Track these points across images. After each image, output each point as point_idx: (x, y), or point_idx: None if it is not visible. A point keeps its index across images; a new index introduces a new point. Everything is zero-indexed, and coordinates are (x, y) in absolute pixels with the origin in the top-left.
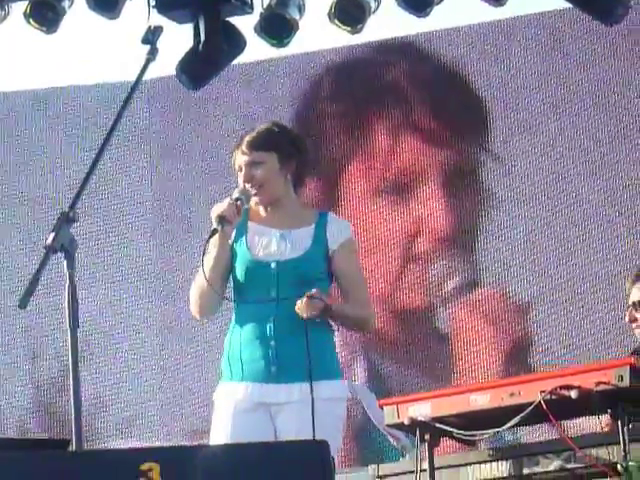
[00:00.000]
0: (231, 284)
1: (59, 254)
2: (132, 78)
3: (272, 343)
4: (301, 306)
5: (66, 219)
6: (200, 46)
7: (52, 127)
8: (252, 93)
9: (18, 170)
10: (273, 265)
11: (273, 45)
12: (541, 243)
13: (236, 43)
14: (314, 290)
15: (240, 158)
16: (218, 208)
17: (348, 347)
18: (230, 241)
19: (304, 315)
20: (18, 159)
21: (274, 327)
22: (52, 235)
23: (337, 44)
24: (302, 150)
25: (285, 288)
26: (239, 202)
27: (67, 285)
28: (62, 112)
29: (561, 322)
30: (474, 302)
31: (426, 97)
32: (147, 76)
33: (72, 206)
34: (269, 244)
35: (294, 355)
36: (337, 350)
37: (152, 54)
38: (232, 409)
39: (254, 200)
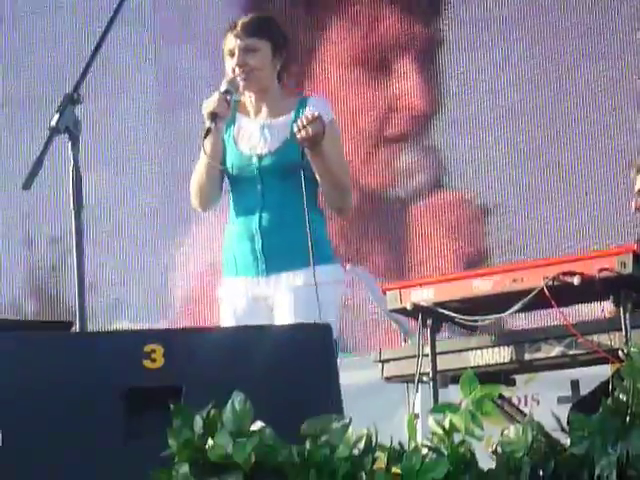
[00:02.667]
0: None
1: (63, 135)
2: None
3: (257, 237)
4: (301, 124)
5: (70, 100)
6: None
7: (55, 7)
8: None
9: (24, 47)
10: (254, 159)
11: None
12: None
13: None
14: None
15: (233, 42)
16: (209, 104)
17: None
18: (221, 135)
19: (305, 133)
20: (24, 36)
21: (259, 221)
22: (56, 116)
23: None
24: (289, 47)
25: (269, 180)
26: (228, 95)
27: (71, 167)
28: None
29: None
30: (435, 206)
31: None
32: None
33: (76, 87)
34: (251, 137)
35: (281, 246)
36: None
37: None
38: (232, 304)
39: (241, 86)
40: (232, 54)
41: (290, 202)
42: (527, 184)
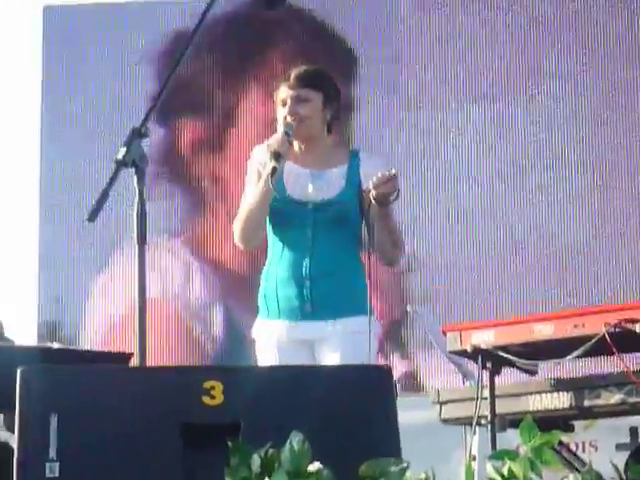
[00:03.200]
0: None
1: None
2: None
3: (307, 283)
4: (378, 182)
5: (138, 134)
6: None
7: (123, 43)
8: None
9: (92, 82)
10: (310, 206)
11: None
12: None
13: None
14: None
15: (285, 92)
16: (273, 144)
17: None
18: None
19: (380, 190)
20: (88, 76)
21: (310, 266)
22: (123, 149)
23: None
24: (340, 99)
25: (321, 228)
26: (288, 136)
27: (136, 200)
28: (133, 28)
29: None
30: None
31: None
32: None
33: (144, 121)
34: (304, 184)
35: (328, 294)
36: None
37: None
38: (275, 344)
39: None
40: (284, 103)
41: (339, 250)
42: None
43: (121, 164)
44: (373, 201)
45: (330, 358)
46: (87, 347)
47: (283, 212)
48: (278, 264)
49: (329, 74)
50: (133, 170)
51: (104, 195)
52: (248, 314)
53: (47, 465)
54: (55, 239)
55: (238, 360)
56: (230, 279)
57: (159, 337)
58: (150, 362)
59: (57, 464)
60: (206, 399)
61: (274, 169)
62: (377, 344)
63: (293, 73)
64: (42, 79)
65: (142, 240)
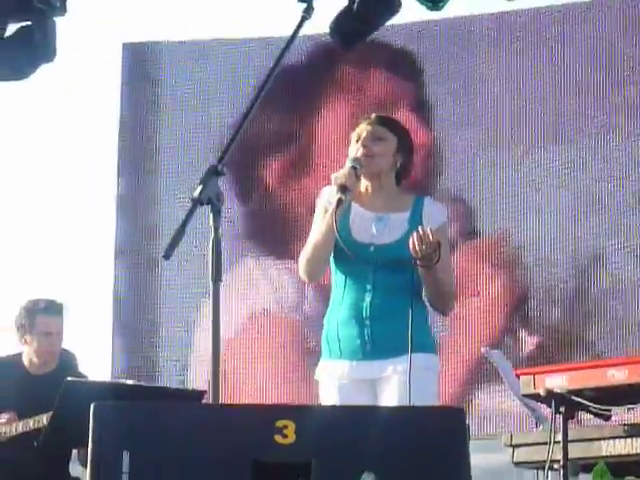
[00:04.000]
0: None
1: (205, 206)
2: (284, 34)
3: (367, 322)
4: (420, 240)
5: (214, 172)
6: (355, 5)
7: (202, 81)
8: None
9: (167, 124)
10: (372, 248)
11: (428, 8)
12: None
13: (390, 4)
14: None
15: (363, 128)
16: (340, 177)
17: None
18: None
19: (427, 249)
20: (165, 112)
21: (370, 307)
22: (199, 187)
23: None
24: (413, 151)
25: (381, 271)
26: (356, 170)
27: (212, 238)
28: (211, 66)
29: None
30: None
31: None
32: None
33: (221, 159)
34: (369, 227)
35: (388, 333)
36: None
37: (308, 12)
38: (337, 383)
39: (363, 168)
40: (359, 138)
41: (399, 292)
42: None
43: (197, 202)
44: (417, 263)
45: (391, 397)
46: (162, 384)
47: (346, 254)
48: (340, 306)
49: (406, 127)
50: (209, 208)
51: (180, 232)
52: None
53: None
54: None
55: None
56: None
57: (275, 347)
58: (266, 374)
59: None
60: (278, 438)
61: (339, 200)
62: (436, 382)
63: (375, 114)
64: (120, 116)
65: (217, 278)
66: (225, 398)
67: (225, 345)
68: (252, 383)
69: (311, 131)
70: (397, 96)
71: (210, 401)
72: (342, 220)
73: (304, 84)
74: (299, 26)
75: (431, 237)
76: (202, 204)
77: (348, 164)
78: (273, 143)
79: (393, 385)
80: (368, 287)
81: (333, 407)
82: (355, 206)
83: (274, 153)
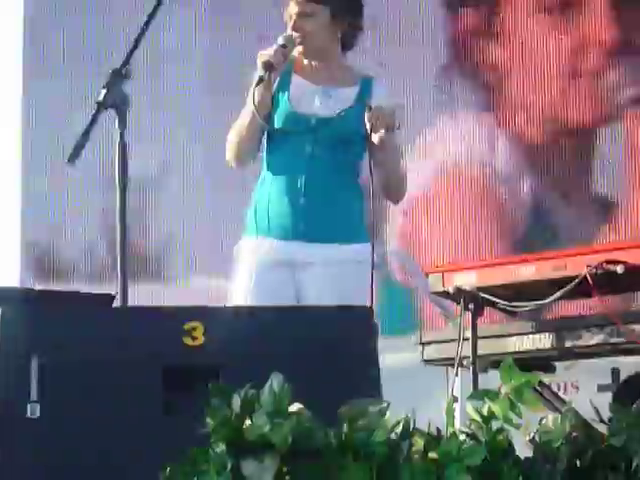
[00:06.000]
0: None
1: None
2: None
3: (302, 200)
4: (376, 113)
5: (119, 75)
6: None
7: None
8: None
9: (68, 21)
10: (313, 121)
11: None
12: None
13: None
14: (375, 105)
15: (292, 7)
16: (265, 54)
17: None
18: (273, 89)
19: (380, 123)
20: (68, 20)
21: (305, 183)
22: (103, 92)
23: None
24: (356, 11)
25: (321, 145)
26: (285, 48)
27: (118, 142)
28: None
29: None
30: None
31: None
32: None
33: (125, 62)
34: (311, 99)
35: (324, 213)
36: None
37: None
38: (254, 265)
39: (297, 50)
40: (291, 18)
41: (338, 171)
42: None
43: (101, 106)
44: (371, 127)
45: (314, 287)
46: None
47: (284, 126)
48: (273, 180)
49: None
50: (114, 112)
51: (84, 137)
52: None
53: (28, 406)
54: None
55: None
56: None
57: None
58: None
59: (38, 405)
60: (187, 340)
61: (260, 79)
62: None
63: None
64: (24, 14)
65: (124, 183)
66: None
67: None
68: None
69: None
70: None
71: (120, 304)
72: (280, 92)
73: None
74: None
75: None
76: (106, 108)
77: (278, 42)
78: None
79: (317, 275)
80: (305, 162)
81: (242, 308)
82: (297, 78)
83: None
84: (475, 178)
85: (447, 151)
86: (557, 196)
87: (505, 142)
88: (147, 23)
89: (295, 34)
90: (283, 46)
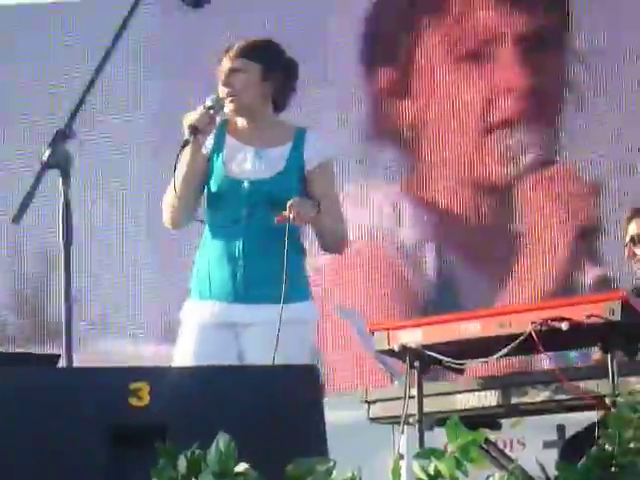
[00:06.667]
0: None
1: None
2: None
3: (240, 263)
4: (295, 209)
5: (63, 136)
6: None
7: (52, 40)
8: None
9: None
10: (246, 184)
11: None
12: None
13: None
14: (294, 199)
15: (224, 64)
16: (190, 117)
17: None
18: (206, 152)
19: (302, 214)
20: (15, 71)
21: (243, 247)
22: (47, 151)
23: None
24: (289, 71)
25: (256, 208)
26: (212, 111)
27: (62, 202)
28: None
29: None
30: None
31: None
32: None
33: (69, 123)
34: (243, 162)
35: (262, 275)
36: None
37: None
38: (197, 328)
39: (227, 108)
40: (222, 74)
41: (275, 233)
42: None
43: (45, 166)
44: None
45: (257, 347)
46: (13, 349)
47: (219, 190)
48: (212, 245)
49: (275, 46)
50: (58, 172)
51: (29, 196)
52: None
53: None
54: None
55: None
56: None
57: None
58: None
59: None
60: (133, 400)
61: (185, 142)
62: (313, 331)
63: (235, 45)
64: None
65: (68, 242)
66: None
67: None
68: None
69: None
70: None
71: (65, 364)
72: (215, 155)
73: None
74: None
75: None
76: (51, 167)
77: (205, 104)
78: None
79: (259, 336)
80: (242, 225)
81: (187, 368)
82: (230, 140)
83: None
84: (381, 247)
85: (356, 217)
86: (459, 260)
87: (412, 210)
88: (92, 81)
89: (225, 89)
90: (210, 108)
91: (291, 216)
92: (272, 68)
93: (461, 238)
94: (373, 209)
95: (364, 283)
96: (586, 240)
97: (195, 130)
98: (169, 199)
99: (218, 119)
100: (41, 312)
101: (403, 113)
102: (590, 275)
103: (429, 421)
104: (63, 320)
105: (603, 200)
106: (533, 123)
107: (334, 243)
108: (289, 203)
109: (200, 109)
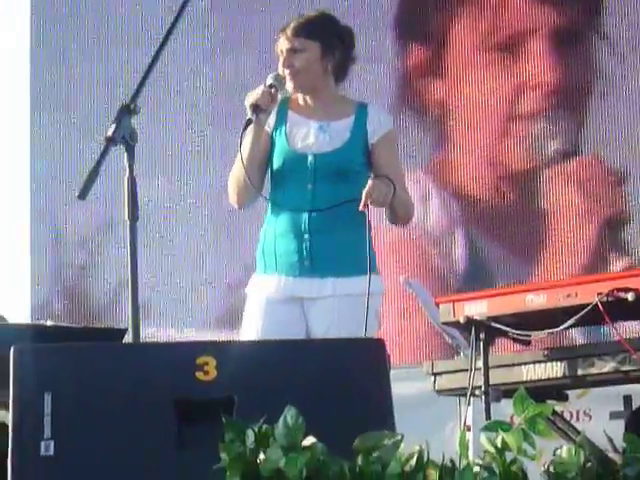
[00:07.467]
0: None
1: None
2: None
3: (306, 236)
4: (373, 197)
5: (127, 111)
6: None
7: (111, 20)
8: None
9: (77, 56)
10: (310, 157)
11: None
12: None
13: None
14: (372, 181)
15: (283, 43)
16: (252, 96)
17: (447, 218)
18: (269, 129)
19: (380, 200)
20: (78, 45)
21: (309, 220)
22: (113, 126)
23: None
24: (347, 43)
25: (322, 181)
26: (273, 89)
27: (127, 177)
28: (121, 3)
29: None
30: (572, 170)
31: None
32: None
33: (133, 98)
34: (307, 135)
35: (328, 249)
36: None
37: None
38: (264, 302)
39: (288, 86)
40: (282, 53)
41: (340, 206)
42: None
43: (111, 141)
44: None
45: (323, 321)
46: (81, 324)
47: (283, 165)
48: (277, 219)
49: (331, 20)
50: (123, 147)
51: (94, 172)
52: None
53: (42, 444)
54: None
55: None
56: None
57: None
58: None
59: (52, 442)
60: (199, 375)
61: (248, 121)
62: (380, 303)
63: (291, 22)
64: (31, 52)
65: (134, 217)
66: None
67: None
68: None
69: None
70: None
71: (131, 340)
72: (278, 130)
73: None
74: None
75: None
76: (116, 143)
77: (266, 82)
78: None
79: (326, 309)
80: (307, 199)
81: (254, 342)
82: (292, 115)
83: None
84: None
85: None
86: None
87: (438, 197)
88: (156, 55)
89: (286, 70)
90: (270, 86)
91: (369, 202)
92: (331, 43)
93: (487, 223)
94: None
95: (395, 270)
96: (612, 230)
97: (257, 109)
98: (235, 178)
99: (279, 96)
100: (85, 298)
101: (432, 93)
102: (617, 265)
103: (495, 393)
104: (130, 293)
105: (629, 189)
106: (560, 113)
107: (405, 215)
108: (366, 189)
109: (261, 88)
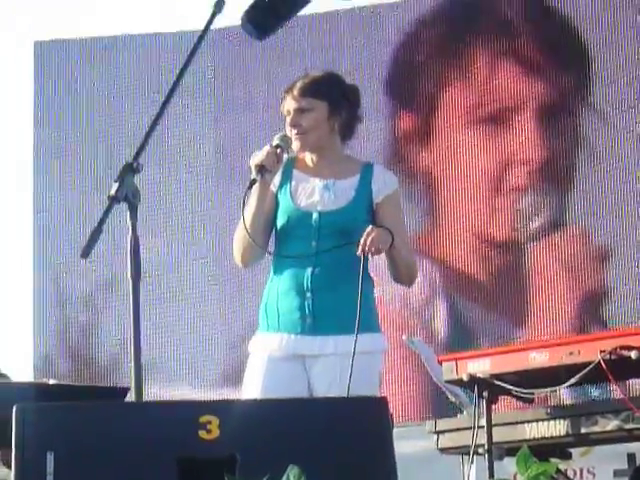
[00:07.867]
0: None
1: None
2: (195, 28)
3: (308, 294)
4: (371, 238)
5: (130, 169)
6: None
7: (114, 77)
8: (317, 43)
9: (79, 120)
10: (315, 215)
11: None
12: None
13: None
14: (371, 227)
15: (289, 103)
16: (257, 157)
17: (428, 286)
18: (274, 189)
19: (373, 249)
20: (78, 109)
21: (312, 278)
22: (115, 185)
23: None
24: (353, 102)
25: (325, 239)
26: (279, 149)
27: (130, 236)
28: (123, 62)
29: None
30: (555, 244)
31: (530, 29)
32: (212, 26)
33: (136, 157)
34: (312, 193)
35: (331, 307)
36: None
37: (218, 6)
38: (266, 360)
39: (295, 145)
40: (289, 114)
41: (344, 264)
42: None
43: (114, 200)
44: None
45: (325, 379)
46: (84, 382)
47: (288, 223)
48: (280, 277)
49: (337, 79)
50: (126, 205)
51: (97, 230)
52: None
53: None
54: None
55: None
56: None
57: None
58: None
59: None
60: (202, 433)
61: (253, 181)
62: (381, 362)
63: (297, 82)
64: (34, 113)
65: (137, 276)
66: None
67: None
68: None
69: None
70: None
71: (133, 398)
72: (283, 189)
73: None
74: (210, 21)
75: (373, 236)
76: (119, 202)
77: (272, 143)
78: None
79: (328, 367)
80: (310, 257)
81: (257, 401)
82: (298, 174)
83: None
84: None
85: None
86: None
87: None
88: (158, 115)
89: (293, 130)
90: (277, 146)
91: (368, 243)
92: (338, 102)
93: (472, 294)
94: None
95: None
96: (592, 303)
97: (262, 169)
98: (239, 238)
99: (285, 157)
100: (88, 356)
101: (419, 161)
102: None
103: (498, 451)
104: (132, 352)
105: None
106: (545, 187)
107: (408, 274)
108: (366, 232)
109: (267, 148)
